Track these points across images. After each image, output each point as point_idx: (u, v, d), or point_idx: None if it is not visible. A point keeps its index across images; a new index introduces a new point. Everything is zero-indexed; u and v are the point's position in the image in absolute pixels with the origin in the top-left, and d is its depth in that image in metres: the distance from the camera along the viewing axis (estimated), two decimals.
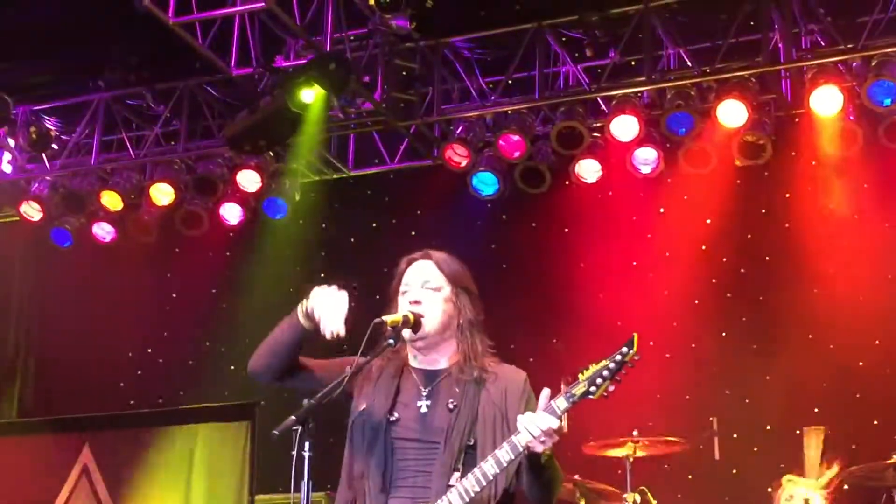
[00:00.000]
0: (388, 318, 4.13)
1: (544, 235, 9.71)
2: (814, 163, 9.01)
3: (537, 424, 3.83)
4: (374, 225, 10.33)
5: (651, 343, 9.03)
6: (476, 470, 3.91)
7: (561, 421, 3.87)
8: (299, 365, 4.32)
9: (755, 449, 8.74)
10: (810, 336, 8.92)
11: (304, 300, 4.14)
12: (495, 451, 3.90)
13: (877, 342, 8.76)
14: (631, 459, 7.11)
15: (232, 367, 10.27)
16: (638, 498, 7.09)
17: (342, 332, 4.11)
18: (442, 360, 4.21)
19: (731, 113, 8.53)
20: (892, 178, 8.88)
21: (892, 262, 8.83)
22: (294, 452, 3.83)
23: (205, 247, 10.29)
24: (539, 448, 3.86)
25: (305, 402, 3.88)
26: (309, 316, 4.19)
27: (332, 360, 4.34)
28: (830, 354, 8.82)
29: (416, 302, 4.19)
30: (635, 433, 7.23)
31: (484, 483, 3.90)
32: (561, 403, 3.88)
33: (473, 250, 9.32)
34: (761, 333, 9.15)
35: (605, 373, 3.89)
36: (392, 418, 4.11)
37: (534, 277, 9.60)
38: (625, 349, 3.92)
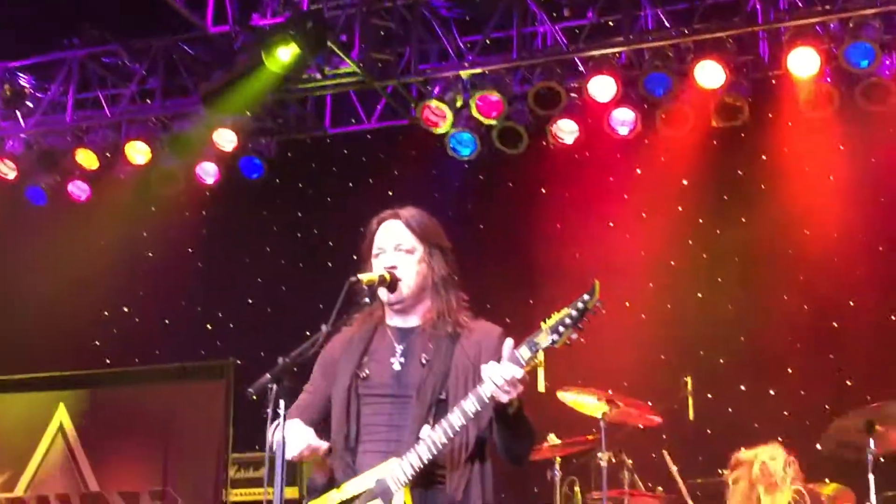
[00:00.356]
0: (363, 278, 4.13)
1: (521, 195, 9.72)
2: (790, 124, 9.02)
3: (500, 374, 3.82)
4: (350, 184, 10.31)
5: (627, 303, 9.16)
6: (443, 421, 3.92)
7: (525, 370, 3.86)
8: (320, 421, 4.26)
9: (729, 409, 8.79)
10: (785, 297, 8.98)
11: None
12: (461, 403, 3.91)
13: (851, 303, 8.82)
14: (606, 419, 7.13)
15: (208, 327, 10.29)
16: (612, 457, 7.12)
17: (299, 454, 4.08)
18: (417, 317, 4.22)
19: (709, 74, 8.52)
20: (868, 140, 8.90)
21: (867, 223, 8.86)
22: (269, 410, 3.81)
23: (181, 206, 10.25)
24: (504, 398, 3.85)
25: (280, 360, 3.87)
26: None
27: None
28: (805, 316, 8.87)
29: (392, 268, 4.19)
30: (610, 392, 7.25)
31: (451, 434, 3.91)
32: (524, 353, 3.87)
33: (450, 210, 9.36)
34: (736, 294, 9.20)
35: (567, 321, 3.86)
36: (362, 375, 4.13)
37: (510, 237, 9.61)
38: (586, 297, 3.90)
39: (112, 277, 10.44)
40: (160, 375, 8.44)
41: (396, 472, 3.94)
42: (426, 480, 3.97)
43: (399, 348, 4.16)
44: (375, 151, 10.19)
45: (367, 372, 4.13)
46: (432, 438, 3.92)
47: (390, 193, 9.92)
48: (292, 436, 3.99)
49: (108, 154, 9.93)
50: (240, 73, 8.61)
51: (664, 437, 8.76)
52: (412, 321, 4.22)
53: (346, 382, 4.14)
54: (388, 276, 4.13)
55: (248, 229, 10.16)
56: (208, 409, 8.09)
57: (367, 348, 4.18)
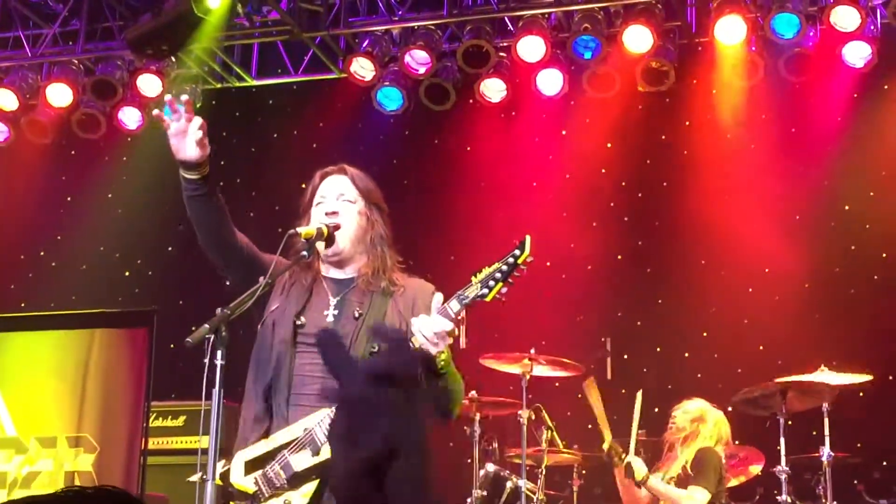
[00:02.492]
0: (301, 231, 4.17)
1: (447, 153, 9.73)
2: (714, 92, 9.13)
3: (430, 326, 3.89)
4: (275, 135, 10.25)
5: (548, 263, 9.25)
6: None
7: (455, 323, 3.91)
8: (236, 239, 4.32)
9: (645, 370, 8.93)
10: (703, 262, 9.10)
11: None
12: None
13: (766, 270, 8.97)
14: (527, 377, 7.21)
15: (126, 274, 10.19)
16: (532, 415, 7.20)
17: (197, 154, 4.17)
18: (352, 270, 4.27)
19: (637, 38, 8.58)
20: (790, 110, 9.04)
21: (786, 192, 9.01)
22: (206, 360, 3.81)
23: (102, 150, 10.12)
24: (433, 350, 3.90)
25: (219, 310, 3.87)
26: (182, 163, 4.19)
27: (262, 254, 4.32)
28: (721, 280, 9.01)
29: (333, 213, 4.25)
30: (532, 351, 7.32)
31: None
32: (454, 306, 3.93)
33: (375, 165, 9.31)
34: (656, 258, 9.32)
35: (498, 275, 3.93)
36: (299, 322, 4.16)
37: (434, 194, 9.63)
38: (517, 251, 3.97)
39: (29, 221, 10.30)
40: (79, 321, 8.34)
41: (325, 421, 3.97)
42: None
43: (333, 301, 4.20)
44: (301, 103, 10.12)
45: (304, 320, 4.16)
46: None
47: (315, 146, 9.89)
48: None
49: (28, 95, 9.76)
50: (167, 19, 8.50)
51: (578, 395, 8.87)
52: (348, 273, 4.26)
53: (286, 330, 4.16)
54: (325, 230, 4.18)
55: (169, 176, 9.97)
56: (128, 356, 8.03)
57: (308, 297, 4.21)
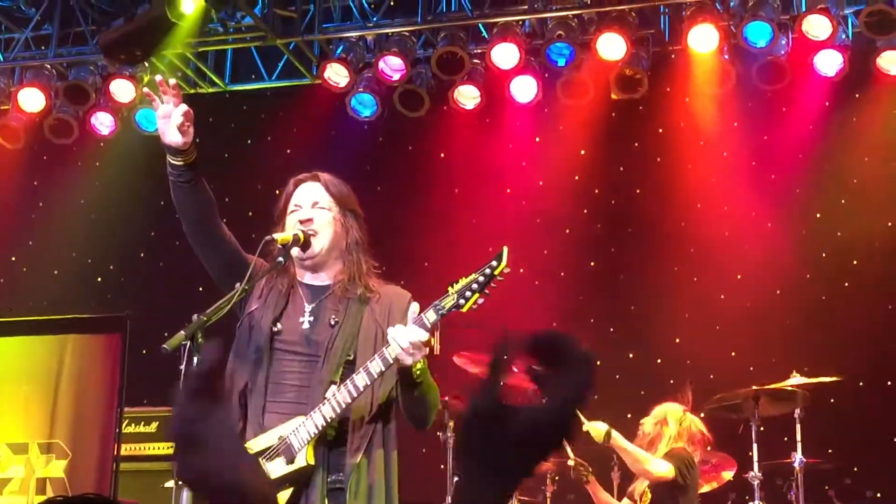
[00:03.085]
0: (277, 237, 4.18)
1: (420, 159, 9.74)
2: (687, 99, 9.17)
3: (406, 336, 3.91)
4: (248, 141, 10.24)
5: (521, 270, 9.26)
6: (348, 381, 3.98)
7: (430, 333, 3.94)
8: (219, 231, 4.35)
9: (617, 376, 8.94)
10: (675, 269, 9.14)
11: None
12: (367, 364, 3.98)
13: (738, 277, 9.02)
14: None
15: (99, 279, 10.15)
16: None
17: (179, 139, 4.20)
18: (328, 277, 4.27)
19: (611, 46, 8.61)
20: (762, 118, 9.09)
21: (757, 199, 9.06)
22: (182, 367, 3.80)
23: (74, 156, 10.08)
24: (408, 360, 3.93)
25: (195, 316, 3.87)
26: (167, 147, 4.24)
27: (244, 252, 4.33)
28: (693, 287, 9.05)
29: (308, 220, 4.25)
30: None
31: (355, 394, 3.96)
32: (430, 316, 3.96)
33: (349, 171, 9.26)
34: (629, 264, 9.35)
35: (475, 286, 3.96)
36: (276, 328, 4.15)
37: (408, 201, 9.63)
38: (494, 263, 4.01)
39: (1, 226, 10.24)
40: (52, 326, 8.30)
41: (300, 430, 3.99)
42: (329, 440, 4.01)
43: (308, 307, 4.20)
44: (275, 109, 10.11)
45: (280, 326, 4.16)
46: (336, 398, 3.97)
47: (288, 151, 9.88)
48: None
49: (0, 100, 9.72)
50: (141, 24, 8.48)
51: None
52: (323, 279, 4.27)
53: (262, 336, 4.16)
54: (301, 236, 4.19)
55: (142, 182, 10.00)
56: (101, 362, 7.99)
57: (286, 303, 4.22)
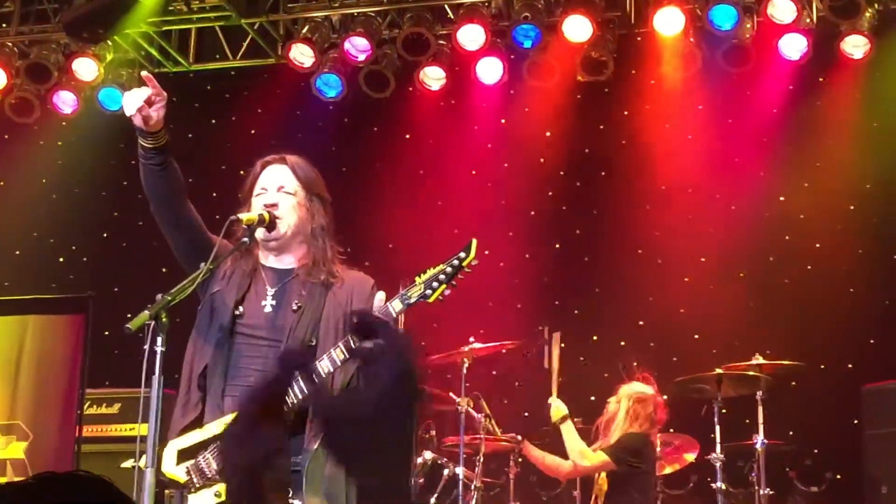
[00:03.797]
0: (242, 217, 4.17)
1: (386, 141, 9.72)
2: (653, 82, 9.18)
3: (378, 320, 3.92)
4: (213, 121, 10.17)
5: (486, 252, 9.24)
6: (310, 367, 3.96)
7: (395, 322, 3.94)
8: (186, 212, 4.35)
9: (581, 358, 8.97)
10: (640, 251, 9.16)
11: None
12: (330, 351, 3.96)
13: (702, 259, 9.05)
14: (466, 365, 7.21)
15: (60, 260, 10.07)
16: (471, 403, 7.21)
17: (138, 119, 4.18)
18: (292, 260, 4.26)
19: (577, 28, 8.60)
20: (726, 101, 9.11)
21: (721, 181, 9.10)
22: (146, 347, 3.78)
23: (36, 135, 9.97)
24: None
25: (159, 296, 3.84)
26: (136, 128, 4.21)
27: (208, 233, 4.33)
28: (658, 269, 9.08)
29: (273, 205, 4.24)
30: (472, 340, 7.32)
31: (317, 381, 3.95)
32: (396, 305, 3.96)
33: (314, 152, 9.21)
34: (593, 247, 9.37)
35: (442, 276, 3.96)
36: (238, 312, 4.15)
37: (373, 183, 9.60)
38: (462, 254, 4.00)
39: None
40: (13, 307, 8.23)
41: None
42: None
43: (271, 291, 4.19)
44: (239, 89, 10.05)
45: (242, 310, 4.15)
46: (300, 384, 3.95)
47: (253, 132, 9.83)
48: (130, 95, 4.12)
49: None
50: (104, 2, 8.39)
51: (517, 384, 8.92)
52: (287, 263, 4.26)
53: (225, 318, 4.14)
54: (266, 216, 4.18)
55: (105, 161, 9.93)
56: (63, 343, 7.94)
57: (248, 285, 4.20)
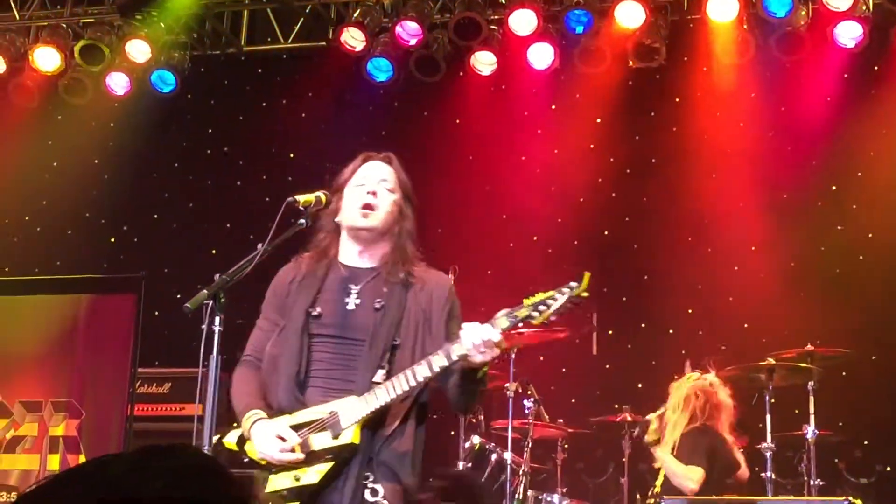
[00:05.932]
0: (300, 198, 4.19)
1: (435, 125, 9.70)
2: (705, 69, 9.12)
3: (479, 335, 3.91)
4: (263, 104, 10.20)
5: (535, 238, 9.25)
6: (408, 371, 4.00)
7: (501, 336, 3.95)
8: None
9: (629, 346, 8.95)
10: (690, 239, 9.11)
11: (248, 425, 4.09)
12: (429, 356, 4.00)
13: (752, 248, 8.98)
14: (515, 351, 7.20)
15: (112, 240, 10.15)
16: (519, 388, 7.21)
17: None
18: (374, 259, 4.28)
19: (629, 14, 8.56)
20: (780, 89, 9.03)
21: (774, 170, 9.02)
22: (204, 326, 3.81)
23: (88, 116, 10.04)
24: (479, 359, 3.95)
25: (217, 276, 3.87)
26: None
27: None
28: (708, 258, 9.02)
29: (373, 193, 4.25)
30: (521, 326, 7.29)
31: (414, 384, 3.99)
32: (502, 322, 3.97)
33: (363, 135, 9.32)
34: (642, 234, 9.32)
35: (550, 302, 3.98)
36: (314, 312, 4.17)
37: (422, 167, 9.54)
38: (574, 284, 4.00)
39: (14, 185, 10.23)
40: (67, 286, 8.31)
41: (352, 408, 4.02)
42: (374, 423, 4.05)
43: (354, 289, 4.21)
44: (290, 72, 10.07)
45: (320, 310, 4.17)
46: (394, 384, 4.00)
47: (303, 115, 9.86)
48: (261, 438, 4.04)
49: (15, 59, 9.69)
50: None
51: (564, 370, 8.91)
52: (368, 262, 4.28)
53: (300, 320, 4.16)
54: (323, 197, 4.19)
55: (156, 143, 10.01)
56: (115, 322, 8.01)
57: (322, 286, 4.22)
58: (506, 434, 7.04)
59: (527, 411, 7.25)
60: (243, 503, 1.69)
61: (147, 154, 9.98)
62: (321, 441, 4.03)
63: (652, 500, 6.86)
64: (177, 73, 9.63)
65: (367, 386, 4.02)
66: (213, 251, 9.58)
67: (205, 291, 3.83)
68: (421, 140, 9.70)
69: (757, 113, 9.15)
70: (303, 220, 4.17)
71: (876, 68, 8.90)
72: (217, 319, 3.82)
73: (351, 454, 4.02)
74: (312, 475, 4.02)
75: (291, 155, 9.85)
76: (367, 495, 3.99)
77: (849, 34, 8.44)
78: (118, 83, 9.67)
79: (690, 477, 6.73)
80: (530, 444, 7.21)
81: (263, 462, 4.05)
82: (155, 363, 8.59)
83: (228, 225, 9.72)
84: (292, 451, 4.00)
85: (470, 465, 7.04)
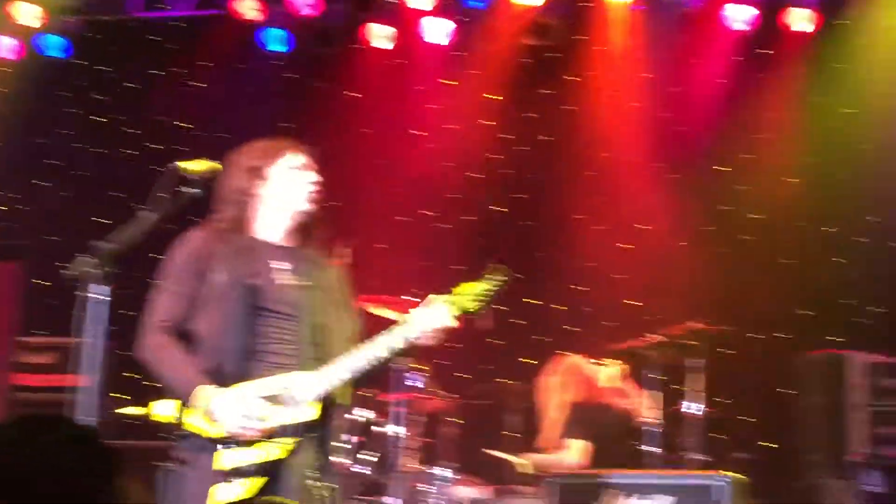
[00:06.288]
0: (187, 165, 4.22)
1: (330, 97, 9.63)
2: (600, 49, 9.19)
3: (435, 322, 4.16)
4: (154, 72, 10.03)
5: (429, 213, 9.22)
6: (367, 351, 4.12)
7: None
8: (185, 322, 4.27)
9: (523, 322, 9.01)
10: (582, 217, 9.19)
11: (207, 397, 4.03)
12: (386, 339, 4.12)
13: (643, 227, 9.09)
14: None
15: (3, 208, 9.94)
16: (409, 362, 7.20)
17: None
18: (297, 239, 4.37)
19: None
20: (673, 70, 9.14)
21: (664, 151, 9.13)
22: (84, 294, 3.76)
23: None
24: (429, 343, 4.19)
25: (99, 243, 3.82)
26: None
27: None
28: (598, 236, 9.11)
29: (318, 182, 4.40)
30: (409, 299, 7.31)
31: (375, 363, 4.11)
32: (452, 310, 4.21)
33: (258, 106, 9.24)
34: (535, 212, 9.38)
35: (488, 294, 4.32)
36: (252, 284, 4.21)
37: (316, 139, 9.47)
38: (500, 275, 4.36)
39: None
40: None
41: (308, 383, 4.10)
42: (327, 399, 4.15)
43: (284, 266, 4.29)
44: (184, 40, 9.92)
45: (257, 283, 4.22)
46: (351, 363, 4.11)
47: (196, 84, 9.72)
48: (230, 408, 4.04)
49: None
50: None
51: (455, 345, 8.92)
52: (292, 241, 4.37)
53: (236, 292, 4.18)
54: (217, 168, 4.22)
55: (44, 109, 9.80)
56: None
57: (250, 259, 4.26)
58: (395, 408, 7.04)
59: (414, 384, 7.26)
60: (116, 474, 1.70)
61: (37, 120, 9.77)
62: (282, 416, 4.07)
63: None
64: (70, 38, 9.44)
65: (309, 361, 4.12)
66: (104, 220, 9.42)
67: (87, 258, 3.77)
68: (315, 112, 9.64)
69: (650, 93, 9.25)
70: (198, 189, 4.16)
71: (765, 51, 9.05)
72: (103, 288, 3.77)
73: (310, 429, 4.10)
74: (275, 450, 4.06)
75: (184, 124, 9.71)
76: (322, 470, 4.11)
77: (740, 17, 8.58)
78: (6, 47, 9.45)
79: (570, 456, 6.79)
80: (418, 418, 7.23)
81: (220, 436, 4.04)
82: (39, 332, 8.44)
83: (119, 194, 9.56)
84: (257, 426, 4.04)
85: (356, 439, 7.03)
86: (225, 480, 4.00)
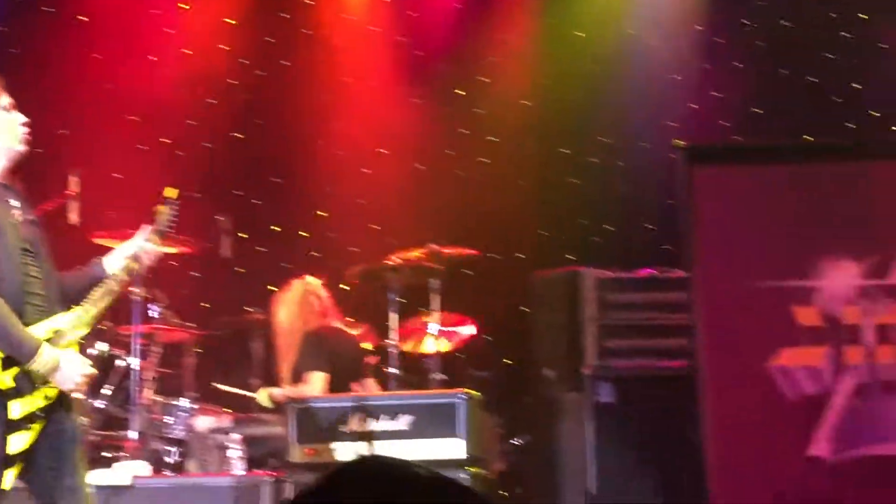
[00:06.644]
0: None
1: (57, 21, 9.22)
2: None
3: (154, 252, 4.48)
4: None
5: (167, 140, 9.04)
6: (110, 281, 4.35)
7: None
8: None
9: (263, 249, 8.96)
10: (319, 142, 9.19)
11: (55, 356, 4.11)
12: (118, 268, 4.38)
13: (381, 151, 9.16)
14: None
15: None
16: (146, 292, 7.06)
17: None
18: (9, 178, 4.38)
19: None
20: None
21: (402, 75, 9.20)
22: None
23: None
24: (145, 266, 4.56)
25: None
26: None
27: None
28: (336, 160, 9.14)
29: (27, 123, 4.43)
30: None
31: (113, 297, 4.34)
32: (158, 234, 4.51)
33: None
34: (274, 137, 9.30)
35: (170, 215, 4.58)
36: (13, 222, 4.24)
37: (42, 68, 9.09)
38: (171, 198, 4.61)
39: None
40: None
41: (71, 325, 4.23)
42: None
43: (16, 204, 4.30)
44: None
45: (14, 221, 4.23)
46: (94, 300, 4.29)
47: None
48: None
49: None
50: None
51: (194, 273, 8.81)
52: (9, 180, 4.37)
53: (7, 234, 4.19)
54: None
55: None
56: None
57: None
58: (133, 340, 6.92)
59: (154, 315, 7.15)
60: None
61: None
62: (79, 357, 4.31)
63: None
64: None
65: (58, 299, 4.25)
66: None
67: None
68: (42, 38, 9.23)
69: (387, 17, 9.28)
70: None
71: None
72: None
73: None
74: (53, 392, 4.18)
75: None
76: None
77: None
78: None
79: (309, 389, 6.78)
80: (158, 350, 7.13)
81: (7, 387, 4.07)
82: None
83: None
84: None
85: (96, 373, 6.88)
86: (18, 430, 4.07)
